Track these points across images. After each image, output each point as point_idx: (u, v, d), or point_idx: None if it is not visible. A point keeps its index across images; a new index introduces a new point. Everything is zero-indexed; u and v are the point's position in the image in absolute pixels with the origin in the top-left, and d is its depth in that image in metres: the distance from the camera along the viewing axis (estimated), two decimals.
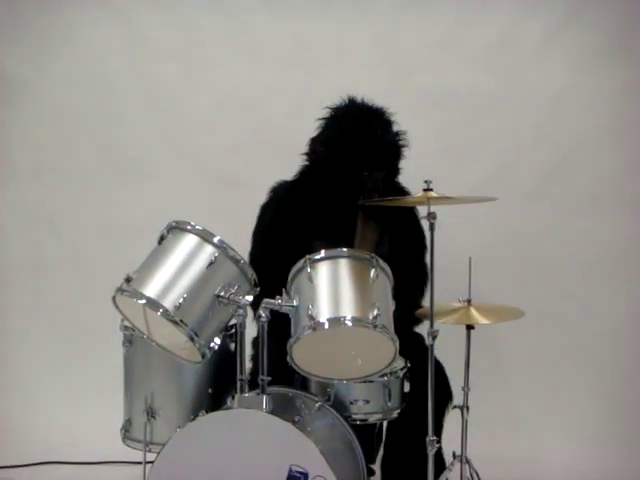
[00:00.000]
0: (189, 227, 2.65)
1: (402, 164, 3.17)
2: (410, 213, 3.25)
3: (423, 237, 3.20)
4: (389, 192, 3.08)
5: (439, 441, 2.97)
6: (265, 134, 4.11)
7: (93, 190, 4.29)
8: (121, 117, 4.25)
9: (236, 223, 3.17)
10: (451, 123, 4.08)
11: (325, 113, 3.12)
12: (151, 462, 2.61)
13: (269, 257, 3.06)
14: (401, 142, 3.09)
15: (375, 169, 3.03)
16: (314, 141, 3.11)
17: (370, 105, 3.08)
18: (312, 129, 3.15)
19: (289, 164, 3.18)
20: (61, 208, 4.33)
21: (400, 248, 3.17)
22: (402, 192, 3.21)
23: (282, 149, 3.44)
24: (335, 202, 3.05)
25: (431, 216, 2.59)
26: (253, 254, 3.16)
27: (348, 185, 3.02)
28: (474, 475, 2.87)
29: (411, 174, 3.11)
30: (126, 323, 2.79)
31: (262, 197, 3.24)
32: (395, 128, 3.10)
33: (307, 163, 3.18)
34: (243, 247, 3.04)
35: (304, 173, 3.20)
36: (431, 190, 2.63)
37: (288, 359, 2.58)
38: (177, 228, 2.66)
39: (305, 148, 3.17)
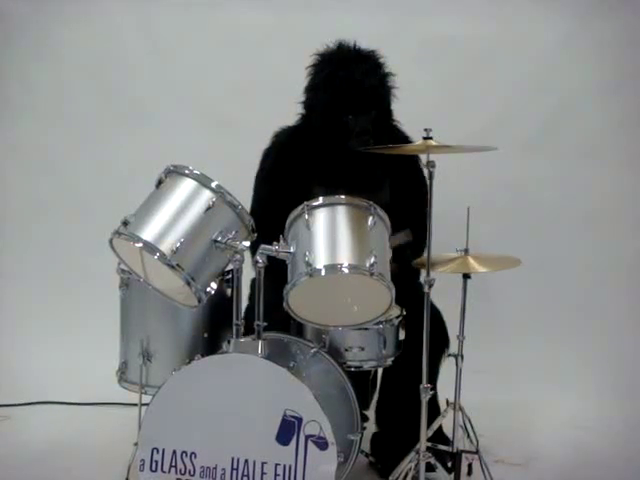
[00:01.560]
0: (187, 171, 2.64)
1: (401, 110, 3.12)
2: (412, 162, 3.21)
3: (425, 186, 3.02)
4: (383, 135, 3.04)
5: (434, 388, 3.00)
6: (265, 78, 4.08)
7: (92, 133, 4.28)
8: (121, 60, 4.23)
9: (235, 168, 3.17)
10: (451, 72, 4.08)
11: (314, 59, 3.07)
12: (146, 404, 2.64)
13: (268, 203, 3.05)
14: (387, 84, 3.05)
15: (358, 112, 2.99)
16: (305, 88, 3.09)
17: (357, 49, 3.04)
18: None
19: (289, 109, 3.15)
20: (59, 150, 4.33)
21: (401, 197, 3.14)
22: (404, 139, 3.19)
23: (282, 93, 3.37)
24: (328, 148, 3.02)
25: (430, 164, 2.57)
26: (255, 198, 3.14)
27: (335, 130, 3.00)
28: (467, 422, 2.91)
29: (411, 123, 3.10)
30: (123, 266, 2.80)
31: (262, 142, 3.23)
32: (384, 71, 3.05)
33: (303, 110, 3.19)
34: (242, 192, 3.01)
35: (302, 119, 3.18)
36: (431, 138, 2.61)
37: (284, 305, 2.59)
38: (175, 172, 2.66)
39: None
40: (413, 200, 3.11)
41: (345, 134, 3.01)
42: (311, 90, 3.08)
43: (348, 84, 2.98)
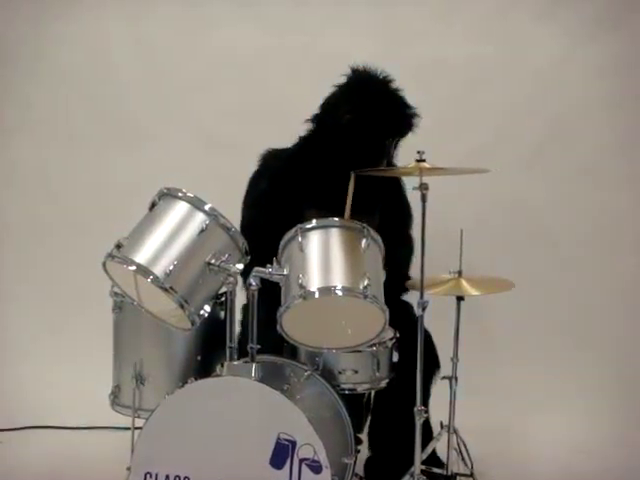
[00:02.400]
0: (180, 194, 2.64)
1: None
2: (395, 184, 3.23)
3: (408, 208, 3.20)
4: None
5: (427, 411, 2.95)
6: (261, 98, 4.09)
7: (87, 152, 4.29)
8: (117, 79, 4.24)
9: (230, 187, 3.15)
10: (445, 93, 4.07)
11: (334, 81, 3.03)
12: (139, 428, 2.62)
13: (261, 226, 3.03)
14: (416, 110, 3.03)
15: (399, 135, 3.01)
16: (335, 105, 3.02)
17: (385, 75, 3.02)
18: (308, 94, 3.09)
19: (284, 129, 3.11)
20: (55, 169, 4.33)
21: (387, 219, 3.15)
22: (390, 164, 3.19)
23: (278, 114, 3.46)
24: (348, 169, 2.91)
25: (423, 187, 2.57)
26: (245, 223, 3.11)
27: (373, 152, 2.97)
28: (461, 445, 2.91)
29: (404, 145, 3.07)
30: (116, 289, 2.79)
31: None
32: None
33: (311, 131, 3.11)
34: (236, 213, 3.05)
35: (307, 140, 3.14)
36: (424, 161, 2.62)
37: (278, 328, 2.57)
38: (168, 195, 2.65)
39: (302, 114, 3.10)
40: (397, 223, 3.13)
41: (381, 156, 3.00)
42: (349, 109, 2.94)
43: (395, 106, 2.97)
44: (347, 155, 2.98)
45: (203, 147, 4.19)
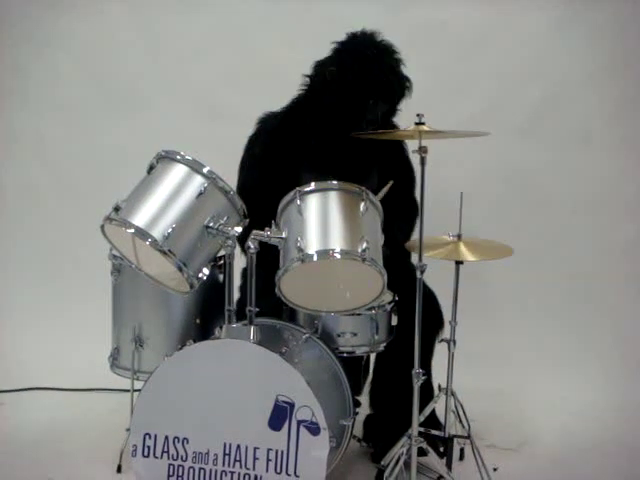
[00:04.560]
0: (178, 157, 2.62)
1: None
2: (399, 147, 3.25)
3: (412, 171, 3.22)
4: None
5: (428, 372, 3.03)
6: (257, 65, 4.07)
7: (84, 119, 4.31)
8: (112, 47, 4.25)
9: (227, 154, 3.14)
10: (443, 58, 4.06)
11: (344, 38, 3.04)
12: (139, 390, 2.64)
13: (259, 189, 3.03)
14: (409, 83, 3.03)
15: (382, 99, 2.99)
16: (323, 64, 3.04)
17: (384, 41, 3.01)
18: (304, 60, 3.09)
19: (281, 96, 3.15)
20: (52, 136, 4.36)
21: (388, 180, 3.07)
22: (392, 126, 3.16)
23: (274, 80, 3.42)
24: (332, 128, 2.99)
25: (422, 150, 2.54)
26: (242, 186, 3.11)
27: (352, 111, 2.97)
28: (459, 407, 2.91)
29: (403, 109, 3.07)
30: (115, 252, 2.80)
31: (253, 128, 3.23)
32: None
33: (303, 91, 3.13)
34: (233, 178, 3.05)
35: (299, 101, 3.16)
36: (423, 124, 2.60)
37: (276, 291, 2.59)
38: (166, 158, 2.64)
39: (297, 80, 3.10)
40: (401, 186, 3.10)
41: (359, 117, 2.98)
42: (335, 65, 2.97)
43: (383, 67, 2.96)
44: (330, 112, 2.99)
45: (200, 113, 4.19)
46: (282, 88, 3.15)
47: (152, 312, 2.90)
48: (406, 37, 2.99)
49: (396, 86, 2.99)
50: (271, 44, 4.08)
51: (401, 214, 3.13)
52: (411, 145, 2.63)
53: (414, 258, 3.03)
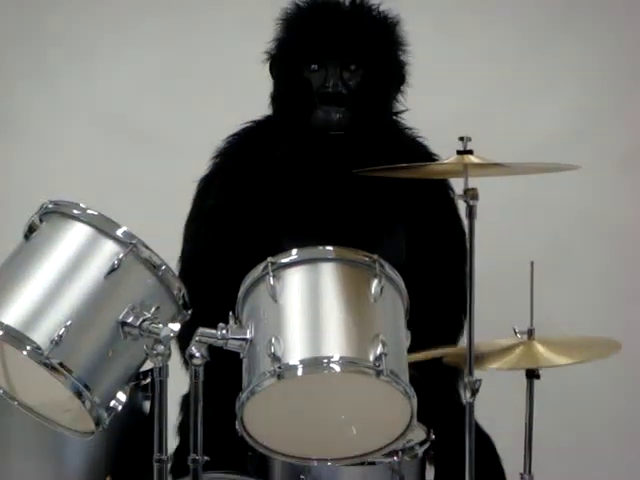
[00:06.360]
0: (76, 211, 2.36)
1: (416, 110, 2.97)
2: (438, 188, 2.98)
3: (462, 233, 2.91)
4: (392, 149, 2.90)
5: None
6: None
7: None
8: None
9: (161, 202, 3.10)
10: (494, 64, 3.81)
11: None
12: None
13: (210, 261, 2.95)
14: (380, 28, 2.95)
15: (325, 57, 2.88)
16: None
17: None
18: None
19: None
20: None
21: (423, 249, 2.97)
22: (425, 155, 2.96)
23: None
24: (286, 121, 2.93)
25: (470, 194, 2.34)
26: (187, 257, 2.99)
27: (294, 88, 2.93)
28: None
29: (440, 129, 2.90)
30: None
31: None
32: (387, 22, 2.99)
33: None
34: (172, 242, 2.97)
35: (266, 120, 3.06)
36: (470, 153, 2.38)
37: (237, 426, 2.35)
38: (56, 213, 2.41)
39: None
40: (443, 257, 2.96)
41: (304, 91, 2.91)
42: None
43: (314, 21, 2.94)
44: (276, 98, 3.00)
45: (117, 137, 3.94)
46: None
47: (33, 467, 2.65)
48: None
49: (340, 33, 2.92)
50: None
51: (441, 300, 2.94)
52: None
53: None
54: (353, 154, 2.86)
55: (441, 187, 3.05)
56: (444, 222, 3.08)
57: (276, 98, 3.03)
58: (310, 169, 2.94)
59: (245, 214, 3.00)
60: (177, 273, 2.83)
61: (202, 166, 3.09)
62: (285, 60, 2.95)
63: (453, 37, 3.77)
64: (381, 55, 2.94)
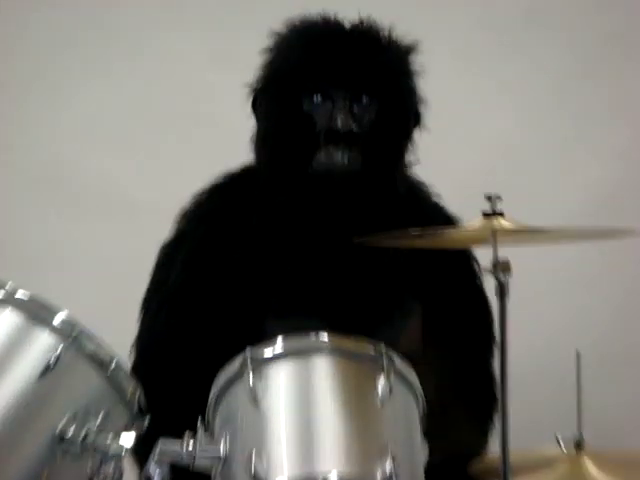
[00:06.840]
0: (4, 292, 2.13)
1: (432, 163, 2.68)
2: (461, 262, 2.74)
3: (488, 316, 2.75)
4: (405, 210, 2.60)
5: None
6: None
7: None
8: None
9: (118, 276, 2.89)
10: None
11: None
12: None
13: (171, 351, 2.66)
14: (398, 53, 2.72)
15: (331, 86, 2.63)
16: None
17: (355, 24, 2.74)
18: None
19: None
20: None
21: (442, 337, 2.69)
22: (445, 218, 2.71)
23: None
24: (278, 170, 2.68)
25: (502, 267, 2.05)
26: (142, 345, 2.72)
27: (292, 125, 2.69)
28: None
29: (459, 184, 2.69)
30: None
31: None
32: (400, 51, 2.73)
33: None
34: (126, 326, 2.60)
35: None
36: (501, 215, 2.12)
37: None
38: None
39: None
40: (468, 346, 2.70)
41: (308, 134, 2.65)
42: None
43: (316, 46, 2.72)
44: (265, 138, 2.76)
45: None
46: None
47: None
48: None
49: (347, 59, 2.69)
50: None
51: (464, 401, 2.67)
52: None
53: None
54: (362, 208, 2.66)
55: (462, 258, 2.86)
56: (466, 302, 2.89)
57: (264, 140, 2.77)
58: (306, 228, 2.74)
59: (218, 291, 2.76)
60: (131, 366, 2.63)
61: (164, 230, 2.84)
62: (280, 91, 2.72)
63: (473, 68, 3.51)
64: (400, 85, 2.75)
